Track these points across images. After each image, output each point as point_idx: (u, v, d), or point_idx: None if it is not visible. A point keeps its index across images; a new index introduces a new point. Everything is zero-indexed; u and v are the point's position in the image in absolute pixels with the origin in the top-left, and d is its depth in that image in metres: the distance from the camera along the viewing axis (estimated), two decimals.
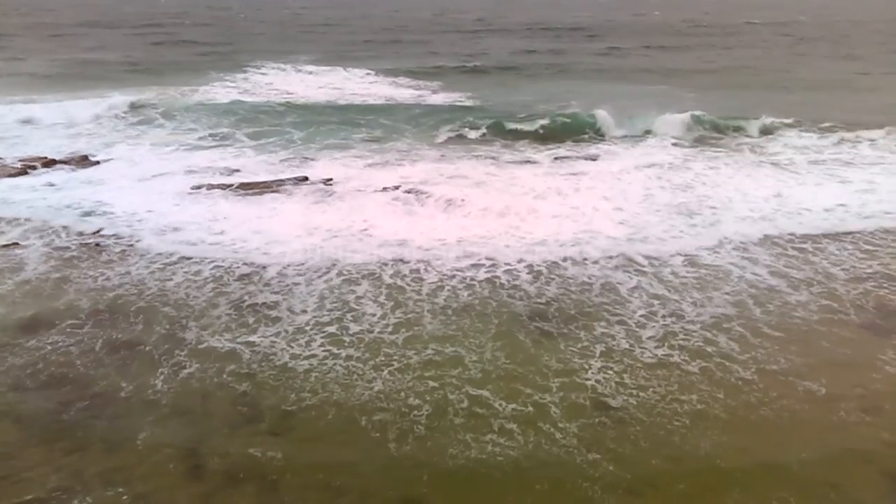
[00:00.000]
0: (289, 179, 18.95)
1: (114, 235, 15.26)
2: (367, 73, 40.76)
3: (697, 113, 25.54)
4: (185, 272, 13.44)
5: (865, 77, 40.13)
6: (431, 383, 9.84)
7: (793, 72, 42.57)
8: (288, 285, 12.91)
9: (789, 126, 25.40)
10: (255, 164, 21.03)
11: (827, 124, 25.41)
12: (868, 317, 11.89)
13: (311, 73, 41.00)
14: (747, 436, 8.82)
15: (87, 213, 16.54)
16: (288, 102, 30.88)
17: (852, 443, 8.69)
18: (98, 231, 15.52)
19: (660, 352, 10.72)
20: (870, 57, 49.74)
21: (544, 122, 25.45)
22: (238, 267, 13.69)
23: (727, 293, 12.69)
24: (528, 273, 13.49)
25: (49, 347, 10.66)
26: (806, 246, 14.94)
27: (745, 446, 8.61)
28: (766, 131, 25.13)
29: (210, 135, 24.82)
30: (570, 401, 9.44)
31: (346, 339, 11.03)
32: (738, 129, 25.34)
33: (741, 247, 14.85)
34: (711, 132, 25.25)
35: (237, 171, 20.09)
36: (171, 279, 13.12)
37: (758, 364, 10.38)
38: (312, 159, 21.43)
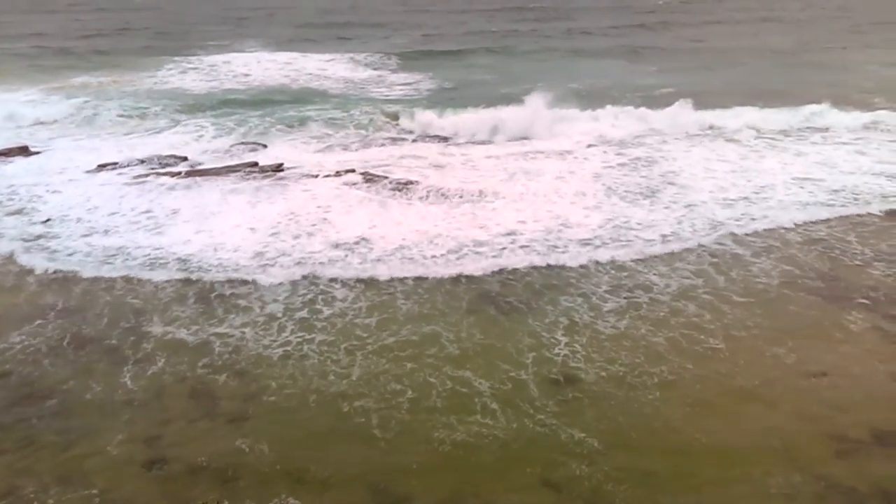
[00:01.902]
0: (239, 166, 18.31)
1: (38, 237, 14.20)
2: (324, 56, 39.85)
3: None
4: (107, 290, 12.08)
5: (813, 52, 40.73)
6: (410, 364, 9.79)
7: (756, 49, 42.87)
8: (235, 301, 11.76)
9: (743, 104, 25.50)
10: (205, 150, 20.31)
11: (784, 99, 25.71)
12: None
13: (266, 55, 39.89)
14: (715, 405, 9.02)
15: (16, 212, 15.56)
16: (241, 86, 30.18)
17: (802, 408, 8.90)
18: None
19: (623, 324, 10.84)
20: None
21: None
22: (171, 287, 12.12)
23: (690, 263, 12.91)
24: (489, 249, 13.42)
25: None
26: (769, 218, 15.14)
27: (712, 417, 8.80)
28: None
29: (160, 121, 23.96)
30: (544, 376, 9.52)
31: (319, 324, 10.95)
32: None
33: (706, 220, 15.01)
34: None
35: (185, 158, 19.35)
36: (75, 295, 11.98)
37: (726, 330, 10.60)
38: (264, 145, 20.79)
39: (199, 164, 18.91)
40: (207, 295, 11.86)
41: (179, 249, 13.48)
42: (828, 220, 14.92)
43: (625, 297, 11.67)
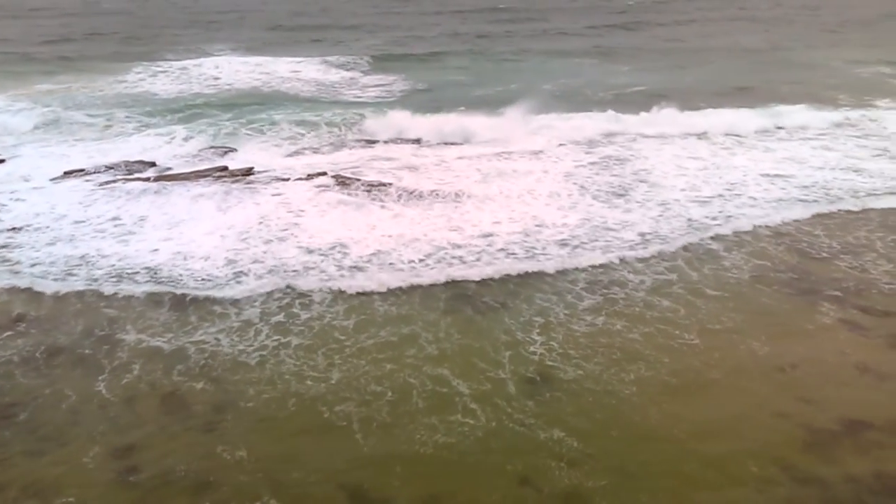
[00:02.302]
0: (209, 170, 18.02)
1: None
2: (296, 59, 39.48)
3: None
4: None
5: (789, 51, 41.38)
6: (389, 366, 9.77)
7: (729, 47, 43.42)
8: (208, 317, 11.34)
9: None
10: (174, 155, 19.93)
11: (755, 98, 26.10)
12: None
13: (237, 59, 39.43)
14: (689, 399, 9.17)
15: None
16: (211, 90, 29.84)
17: (774, 400, 9.05)
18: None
19: (600, 320, 10.95)
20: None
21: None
22: (141, 297, 11.75)
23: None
24: (466, 253, 13.38)
25: None
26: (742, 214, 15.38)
27: (687, 411, 8.94)
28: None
29: (128, 126, 23.51)
30: (522, 374, 9.57)
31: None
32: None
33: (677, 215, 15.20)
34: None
35: (153, 164, 19.00)
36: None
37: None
38: (234, 149, 20.43)
39: (168, 169, 18.60)
40: (179, 304, 11.63)
41: (148, 258, 13.18)
42: (799, 216, 15.11)
43: (601, 295, 11.76)
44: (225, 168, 18.04)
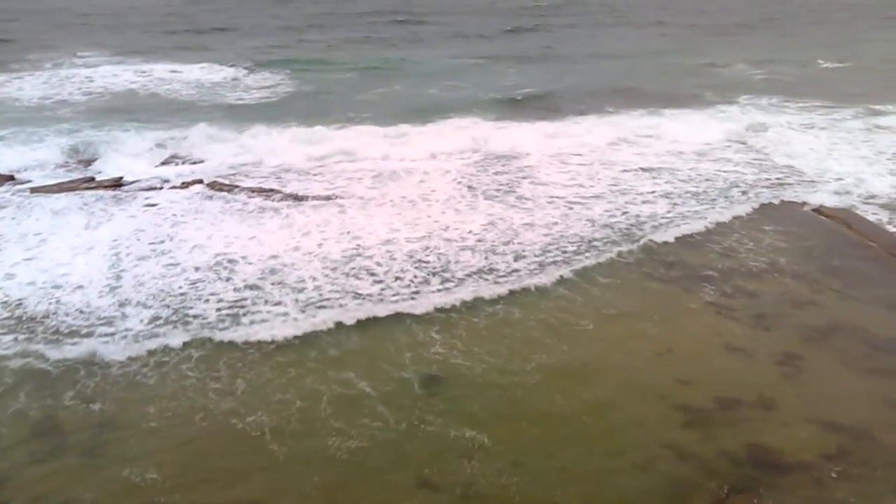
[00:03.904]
0: (75, 182, 16.67)
1: None
2: (176, 62, 37.50)
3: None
4: None
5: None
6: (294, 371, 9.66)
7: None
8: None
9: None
10: (35, 166, 18.31)
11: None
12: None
13: (113, 62, 36.93)
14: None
15: None
16: (81, 96, 27.81)
17: (649, 382, 9.60)
18: None
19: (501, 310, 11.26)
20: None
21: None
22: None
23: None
24: (371, 262, 13.11)
25: None
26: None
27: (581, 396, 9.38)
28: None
29: None
30: (425, 373, 9.67)
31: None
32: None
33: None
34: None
35: (11, 177, 17.38)
36: None
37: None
38: (101, 158, 19.01)
39: (28, 181, 17.03)
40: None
41: (4, 286, 11.83)
42: (679, 208, 15.85)
43: (500, 285, 12.02)
44: (92, 179, 16.74)
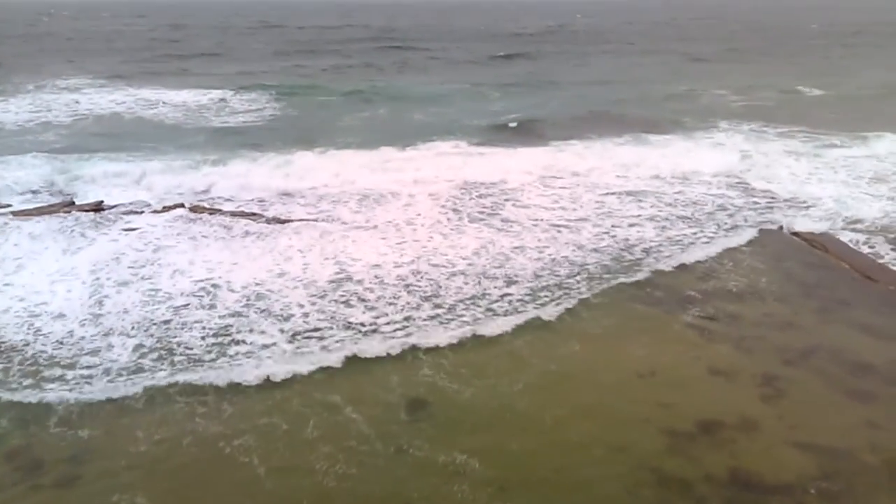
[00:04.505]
0: (55, 206, 16.51)
1: None
2: (161, 87, 37.59)
3: None
4: None
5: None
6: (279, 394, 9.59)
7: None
8: None
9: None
10: (14, 189, 18.11)
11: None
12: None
13: (97, 85, 36.91)
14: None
15: None
16: (67, 118, 27.61)
17: (633, 406, 9.61)
18: None
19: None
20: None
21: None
22: None
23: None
24: (361, 288, 12.98)
25: None
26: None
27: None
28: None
29: None
30: (412, 397, 9.67)
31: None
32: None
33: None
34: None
35: None
36: None
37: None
38: (80, 177, 18.90)
39: (8, 206, 16.85)
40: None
41: None
42: (665, 232, 16.00)
43: (483, 307, 12.06)
44: (72, 203, 16.58)
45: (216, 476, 8.24)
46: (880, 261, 14.27)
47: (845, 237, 15.60)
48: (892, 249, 14.89)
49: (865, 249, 14.89)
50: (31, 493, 7.93)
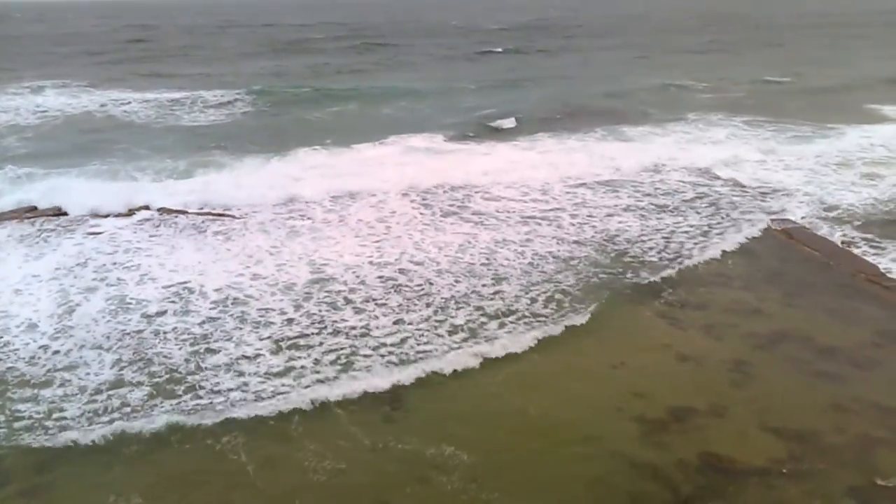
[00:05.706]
0: (15, 212, 16.06)
1: None
2: (130, 90, 36.92)
3: None
4: None
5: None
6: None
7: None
8: None
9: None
10: None
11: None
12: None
13: (66, 88, 36.17)
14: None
15: None
16: (35, 119, 27.02)
17: (605, 395, 9.67)
18: None
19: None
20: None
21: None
22: None
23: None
24: (346, 289, 12.85)
25: None
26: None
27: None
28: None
29: None
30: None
31: None
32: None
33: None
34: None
35: None
36: None
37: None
38: (39, 182, 18.13)
39: None
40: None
41: None
42: (643, 222, 16.12)
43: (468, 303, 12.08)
44: (34, 208, 16.16)
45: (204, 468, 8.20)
46: (845, 247, 14.53)
47: (811, 224, 15.85)
48: (856, 236, 15.17)
49: (830, 236, 15.14)
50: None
